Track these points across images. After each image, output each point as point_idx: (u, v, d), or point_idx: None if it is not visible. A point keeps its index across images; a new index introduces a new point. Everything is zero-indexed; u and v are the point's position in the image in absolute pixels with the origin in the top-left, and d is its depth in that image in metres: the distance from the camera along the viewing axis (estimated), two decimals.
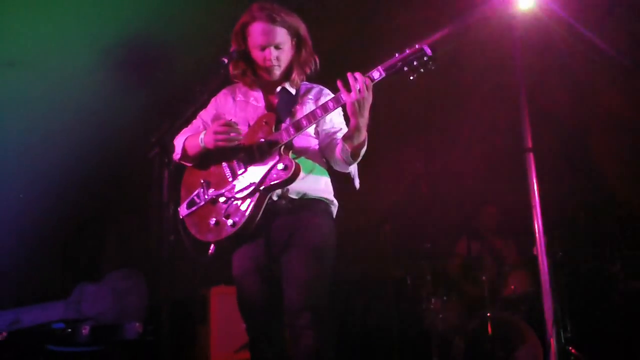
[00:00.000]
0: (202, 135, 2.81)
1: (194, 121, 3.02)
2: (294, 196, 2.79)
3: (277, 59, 2.82)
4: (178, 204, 2.87)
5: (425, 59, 2.55)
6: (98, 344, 4.90)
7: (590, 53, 4.68)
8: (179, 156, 2.91)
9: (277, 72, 2.87)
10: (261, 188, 2.69)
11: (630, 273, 4.86)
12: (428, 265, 5.18)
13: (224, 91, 3.02)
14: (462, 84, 5.13)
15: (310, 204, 2.82)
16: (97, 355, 4.81)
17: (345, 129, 2.84)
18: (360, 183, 2.98)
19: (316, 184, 2.86)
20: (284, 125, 2.76)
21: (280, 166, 2.68)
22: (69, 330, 5.10)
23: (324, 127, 2.86)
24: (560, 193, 5.00)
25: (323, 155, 2.90)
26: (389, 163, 5.53)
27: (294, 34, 2.85)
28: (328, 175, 2.95)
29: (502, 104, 4.88)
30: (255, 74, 2.91)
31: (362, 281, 5.57)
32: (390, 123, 5.25)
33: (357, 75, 2.57)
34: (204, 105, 3.00)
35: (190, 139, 2.88)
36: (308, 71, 2.92)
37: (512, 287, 5.02)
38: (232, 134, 2.73)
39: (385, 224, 5.38)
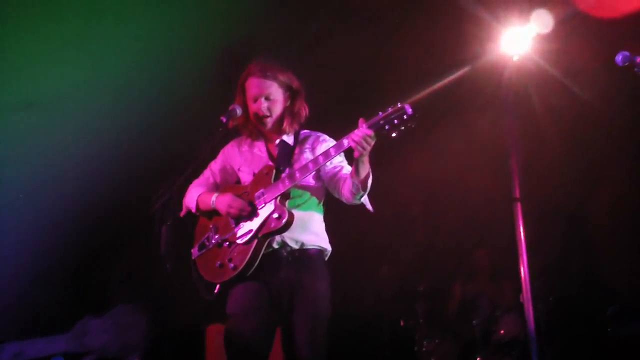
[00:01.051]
0: (214, 198, 3.05)
1: (205, 171, 3.26)
2: (293, 245, 2.99)
3: (268, 109, 3.05)
4: (192, 246, 3.12)
5: (405, 117, 2.64)
6: None
7: (578, 105, 4.87)
8: (193, 207, 3.15)
9: (269, 121, 3.08)
10: (259, 235, 2.90)
11: (621, 320, 4.96)
12: (422, 307, 5.31)
13: (231, 142, 3.26)
14: (454, 133, 5.33)
15: (309, 259, 3.01)
16: None
17: (346, 166, 3.03)
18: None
19: (313, 233, 3.05)
20: (282, 175, 2.96)
21: (275, 215, 2.88)
22: None
23: (327, 169, 3.04)
24: (554, 239, 5.14)
25: (332, 193, 3.07)
26: (386, 206, 5.70)
27: (287, 88, 3.10)
28: (322, 219, 3.13)
29: (492, 153, 5.06)
30: (253, 126, 3.14)
31: (357, 322, 5.68)
32: (387, 168, 5.45)
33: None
34: (213, 155, 3.25)
35: (203, 196, 3.12)
36: (302, 120, 3.14)
37: (502, 331, 5.12)
38: (244, 214, 2.96)
39: (382, 265, 5.55)
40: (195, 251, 3.10)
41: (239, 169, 3.16)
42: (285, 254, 2.98)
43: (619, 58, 2.88)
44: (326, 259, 3.12)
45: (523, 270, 4.47)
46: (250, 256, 2.89)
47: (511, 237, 4.65)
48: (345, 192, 2.92)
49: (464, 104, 5.04)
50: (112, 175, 5.52)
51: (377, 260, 5.64)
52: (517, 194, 4.54)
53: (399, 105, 2.68)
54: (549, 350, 4.68)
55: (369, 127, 2.72)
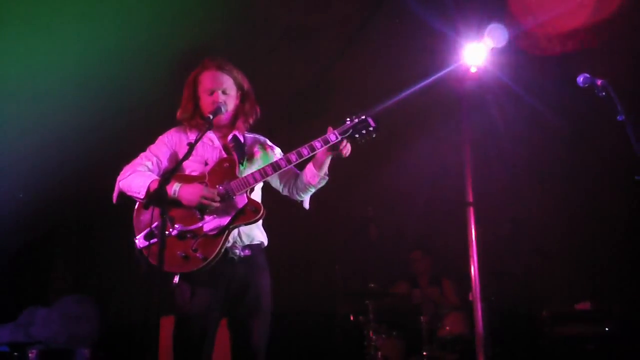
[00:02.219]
0: (176, 187, 2.99)
1: (145, 155, 3.19)
2: (245, 239, 3.11)
3: (225, 102, 3.15)
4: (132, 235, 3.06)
5: (370, 129, 3.03)
6: None
7: (531, 114, 5.18)
8: (142, 194, 3.03)
9: (224, 115, 3.17)
10: (230, 227, 3.00)
11: (557, 320, 5.32)
12: (372, 304, 5.50)
13: (174, 130, 3.25)
14: (411, 139, 5.55)
15: (257, 254, 3.17)
16: None
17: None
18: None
19: (260, 229, 3.22)
20: (248, 171, 3.09)
21: (250, 208, 3.01)
22: (15, 354, 5.13)
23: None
24: (498, 244, 5.44)
25: (280, 186, 3.29)
26: (343, 206, 5.88)
27: (239, 86, 3.23)
28: None
29: (447, 159, 5.31)
30: (202, 118, 3.18)
31: (312, 317, 5.83)
32: (344, 172, 5.62)
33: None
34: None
35: (156, 183, 3.00)
36: (251, 121, 3.28)
37: (447, 328, 5.38)
38: (215, 204, 2.98)
39: (335, 263, 5.70)
40: (141, 240, 3.02)
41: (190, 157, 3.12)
42: (238, 251, 3.09)
43: (580, 79, 3.11)
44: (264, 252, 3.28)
45: (473, 271, 4.72)
46: (220, 247, 2.97)
47: (458, 240, 4.91)
48: (308, 178, 3.14)
49: (425, 113, 5.25)
50: (60, 164, 5.45)
51: (332, 258, 5.79)
52: (470, 199, 4.78)
53: (363, 117, 3.06)
54: (492, 348, 4.94)
55: (340, 133, 3.05)
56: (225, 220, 3.00)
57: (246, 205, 3.01)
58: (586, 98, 3.03)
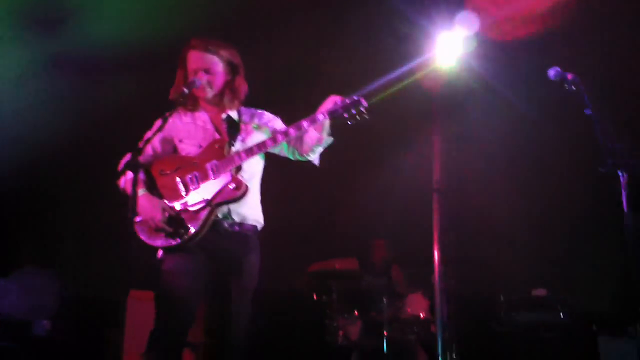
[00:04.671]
0: (141, 192, 3.07)
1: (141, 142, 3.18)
2: (236, 218, 3.14)
3: (208, 82, 3.15)
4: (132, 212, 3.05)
5: (361, 109, 3.01)
6: (4, 340, 4.88)
7: (502, 103, 5.26)
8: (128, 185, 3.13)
9: (209, 94, 3.18)
10: (213, 203, 3.03)
11: (512, 305, 5.47)
12: (336, 285, 5.58)
13: (168, 114, 3.18)
14: (381, 127, 5.59)
15: (248, 234, 3.18)
16: (3, 352, 4.79)
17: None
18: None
19: (255, 209, 3.24)
20: (234, 149, 3.11)
21: (231, 185, 3.03)
22: None
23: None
24: (460, 230, 5.54)
25: (288, 151, 3.29)
26: (308, 189, 5.90)
27: (227, 62, 3.21)
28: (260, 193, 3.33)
29: (420, 150, 5.37)
30: (192, 97, 3.20)
31: (280, 296, 5.86)
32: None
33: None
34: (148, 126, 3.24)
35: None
36: (242, 96, 3.28)
37: (408, 310, 5.49)
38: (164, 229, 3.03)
39: (302, 243, 5.75)
40: (138, 217, 3.09)
41: (180, 140, 3.20)
42: (227, 225, 3.11)
43: (551, 73, 3.17)
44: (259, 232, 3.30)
45: (436, 256, 4.82)
46: (202, 223, 3.02)
47: (420, 226, 5.00)
48: (307, 146, 3.17)
49: (396, 102, 5.28)
50: (24, 128, 5.37)
51: (302, 239, 5.83)
52: (436, 185, 4.86)
53: (356, 98, 3.04)
54: (450, 330, 5.07)
55: (329, 113, 3.04)
56: (208, 197, 3.05)
57: (228, 183, 3.04)
58: (557, 88, 3.10)
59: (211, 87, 3.17)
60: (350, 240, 6.08)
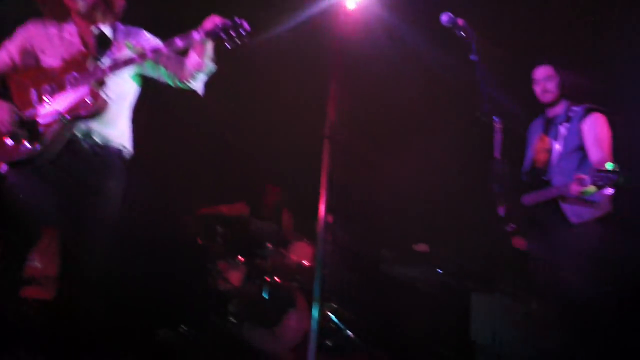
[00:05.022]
0: None
1: None
2: (97, 139, 2.93)
3: None
4: None
5: (241, 31, 2.80)
6: None
7: (401, 54, 5.22)
8: None
9: (80, 2, 2.93)
10: (65, 117, 2.80)
11: (394, 258, 5.58)
12: (222, 229, 5.46)
13: (32, 22, 3.03)
14: (278, 66, 5.44)
15: (110, 157, 2.98)
16: None
17: None
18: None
19: (121, 132, 3.05)
20: (100, 64, 2.88)
21: (87, 99, 2.80)
22: None
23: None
24: (350, 182, 5.52)
25: (176, 77, 3.08)
26: (198, 126, 5.69)
27: None
28: (130, 118, 3.13)
29: (310, 93, 5.24)
30: (61, 6, 2.95)
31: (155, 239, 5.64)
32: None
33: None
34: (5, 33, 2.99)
35: None
36: (117, 10, 3.05)
37: (293, 257, 5.48)
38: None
39: (186, 186, 5.55)
40: None
41: (42, 51, 2.96)
42: (86, 146, 2.90)
43: (443, 18, 3.17)
44: (126, 159, 3.11)
45: (322, 205, 4.76)
46: (53, 137, 2.79)
47: (312, 174, 4.91)
48: (188, 71, 3.00)
49: (295, 44, 5.13)
50: None
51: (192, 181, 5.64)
52: (327, 133, 4.77)
53: (238, 20, 2.83)
54: (330, 280, 5.09)
55: (207, 33, 2.84)
56: (62, 109, 2.81)
57: (85, 96, 2.82)
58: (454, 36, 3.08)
59: None
60: (241, 185, 5.92)
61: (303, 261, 5.48)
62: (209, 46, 2.99)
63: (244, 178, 6.03)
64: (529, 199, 3.98)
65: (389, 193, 5.67)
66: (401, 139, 5.69)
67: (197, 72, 3.03)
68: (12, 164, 2.79)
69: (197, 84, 3.14)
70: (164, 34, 3.09)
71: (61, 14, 2.97)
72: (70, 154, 2.85)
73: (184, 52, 3.09)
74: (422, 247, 5.60)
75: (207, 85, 3.15)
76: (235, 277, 5.43)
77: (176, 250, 5.41)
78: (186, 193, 5.62)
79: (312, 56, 5.05)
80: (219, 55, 3.06)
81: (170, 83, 3.16)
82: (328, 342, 5.09)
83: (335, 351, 5.05)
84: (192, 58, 3.01)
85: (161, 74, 3.13)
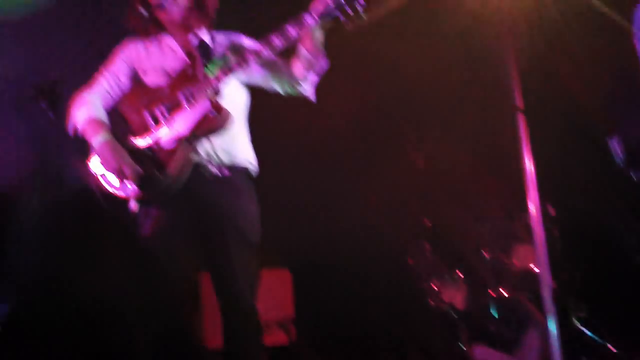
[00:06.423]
0: (101, 138, 2.61)
1: (98, 77, 2.80)
2: (223, 157, 2.65)
3: None
4: (84, 154, 2.70)
5: (358, 7, 2.48)
6: None
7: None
8: (80, 130, 2.71)
9: (174, 8, 2.69)
10: (191, 138, 2.56)
11: None
12: (429, 243, 4.86)
13: (128, 42, 2.84)
14: (444, 43, 4.71)
15: (240, 178, 2.71)
16: None
17: None
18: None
19: (245, 147, 2.77)
20: (209, 73, 2.61)
21: (211, 112, 2.55)
22: None
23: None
24: (556, 157, 4.50)
25: (269, 82, 2.80)
26: (375, 128, 5.21)
27: None
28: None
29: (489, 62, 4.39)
30: (153, 20, 2.74)
31: (356, 263, 5.24)
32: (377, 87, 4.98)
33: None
34: (103, 57, 2.83)
35: (92, 123, 2.67)
36: (211, 13, 2.78)
37: (516, 262, 4.61)
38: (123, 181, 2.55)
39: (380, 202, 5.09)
40: (94, 163, 2.66)
41: (143, 70, 2.74)
42: (214, 169, 2.63)
43: None
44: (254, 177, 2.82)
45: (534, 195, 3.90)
46: (180, 163, 2.54)
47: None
48: (298, 71, 2.69)
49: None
50: None
51: (371, 191, 5.16)
52: (520, 104, 3.92)
53: None
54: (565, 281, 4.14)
55: (320, 15, 2.50)
56: (184, 130, 2.55)
57: (208, 110, 2.55)
58: None
59: (175, 1, 2.67)
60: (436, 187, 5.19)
61: (530, 266, 4.55)
62: (319, 36, 2.60)
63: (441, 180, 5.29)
64: None
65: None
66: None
67: (309, 72, 2.67)
68: (141, 200, 2.59)
69: (308, 88, 2.77)
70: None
71: (154, 29, 2.78)
72: (199, 180, 2.61)
73: (286, 54, 2.70)
74: None
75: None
76: (455, 295, 4.74)
77: (376, 272, 4.97)
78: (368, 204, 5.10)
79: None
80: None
81: (280, 89, 2.83)
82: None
83: None
84: (301, 54, 2.64)
85: (269, 78, 2.79)
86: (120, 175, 2.52)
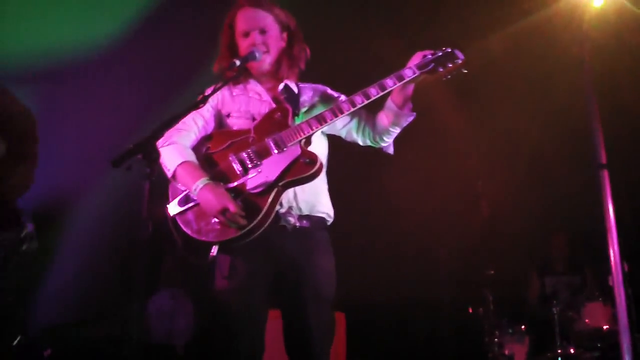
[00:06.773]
0: (199, 184, 2.50)
1: (186, 120, 2.65)
2: (303, 208, 2.59)
3: (264, 44, 2.65)
4: (165, 200, 2.59)
5: (457, 61, 2.53)
6: None
7: None
8: (170, 175, 2.60)
9: (266, 58, 2.66)
10: (280, 184, 2.47)
11: None
12: (492, 293, 4.73)
13: (215, 86, 2.73)
14: (524, 91, 4.66)
15: (317, 229, 2.65)
16: None
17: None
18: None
19: (325, 198, 2.70)
20: (300, 121, 2.56)
21: (304, 160, 2.47)
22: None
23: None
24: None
25: (354, 134, 2.77)
26: (445, 180, 5.11)
27: (284, 26, 2.72)
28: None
29: (570, 113, 4.34)
30: (245, 69, 2.68)
31: (412, 309, 5.12)
32: (443, 138, 4.91)
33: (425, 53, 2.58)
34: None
35: (188, 168, 2.57)
36: (302, 66, 2.75)
37: (587, 320, 4.47)
38: (239, 221, 2.46)
39: (440, 247, 4.97)
40: (174, 206, 2.55)
41: (228, 115, 2.67)
42: (293, 220, 2.55)
43: None
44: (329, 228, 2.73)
45: (613, 250, 3.77)
46: (267, 210, 2.43)
47: (592, 215, 3.97)
48: (383, 124, 2.65)
49: (534, 57, 4.35)
50: None
51: (435, 242, 5.06)
52: (604, 160, 3.83)
53: (449, 50, 2.55)
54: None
55: (418, 67, 2.53)
56: (273, 175, 2.47)
57: (299, 156, 2.47)
58: None
59: (268, 50, 2.65)
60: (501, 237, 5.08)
61: (601, 324, 4.42)
62: (409, 90, 2.59)
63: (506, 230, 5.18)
64: None
65: None
66: None
67: (394, 125, 2.63)
68: (223, 244, 2.48)
69: (390, 141, 2.73)
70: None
71: (243, 77, 2.72)
72: (280, 230, 2.53)
73: (371, 107, 2.67)
74: None
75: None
76: (517, 349, 4.60)
77: (438, 323, 4.85)
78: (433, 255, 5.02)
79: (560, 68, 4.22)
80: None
81: (360, 140, 2.77)
82: None
83: None
84: (390, 107, 2.61)
85: (351, 128, 2.75)
86: (224, 215, 2.43)
